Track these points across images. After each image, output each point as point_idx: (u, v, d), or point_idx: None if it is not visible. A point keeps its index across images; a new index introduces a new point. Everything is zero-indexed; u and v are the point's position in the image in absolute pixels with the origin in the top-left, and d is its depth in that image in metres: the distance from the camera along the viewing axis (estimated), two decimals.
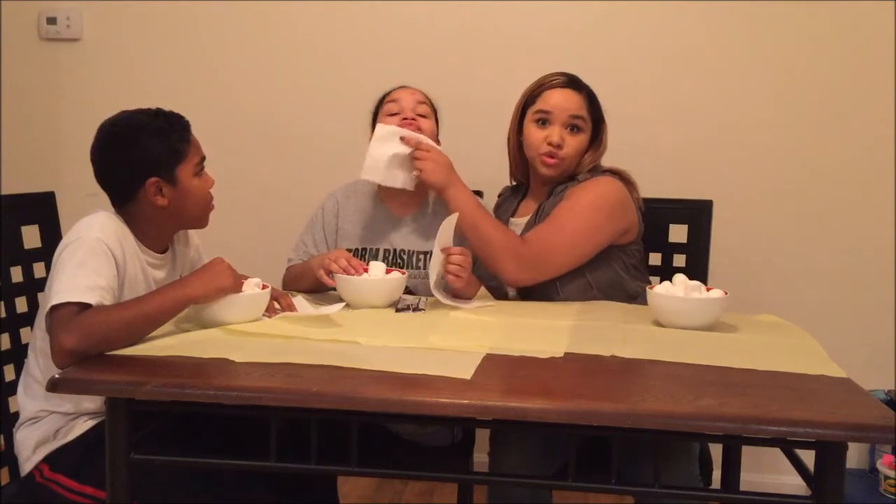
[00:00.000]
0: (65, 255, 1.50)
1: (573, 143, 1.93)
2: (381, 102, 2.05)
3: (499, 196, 2.16)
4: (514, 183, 2.14)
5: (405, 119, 1.97)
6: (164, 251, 1.71)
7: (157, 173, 1.60)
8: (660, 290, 1.67)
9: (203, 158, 1.68)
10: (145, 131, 1.60)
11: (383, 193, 2.08)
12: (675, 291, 1.66)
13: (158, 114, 1.64)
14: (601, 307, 1.82)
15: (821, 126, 2.58)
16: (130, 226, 1.63)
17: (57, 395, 1.40)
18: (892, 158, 2.55)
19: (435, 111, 2.05)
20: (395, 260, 2.00)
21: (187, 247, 1.82)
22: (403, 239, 2.03)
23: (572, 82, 1.97)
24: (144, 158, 1.59)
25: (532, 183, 2.07)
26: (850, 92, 2.55)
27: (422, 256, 2.00)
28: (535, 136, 1.95)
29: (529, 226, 1.96)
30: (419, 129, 1.97)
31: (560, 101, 1.94)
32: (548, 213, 1.92)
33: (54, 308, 1.42)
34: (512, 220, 2.05)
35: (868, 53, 2.53)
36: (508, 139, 2.06)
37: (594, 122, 1.97)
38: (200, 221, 1.72)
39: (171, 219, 1.66)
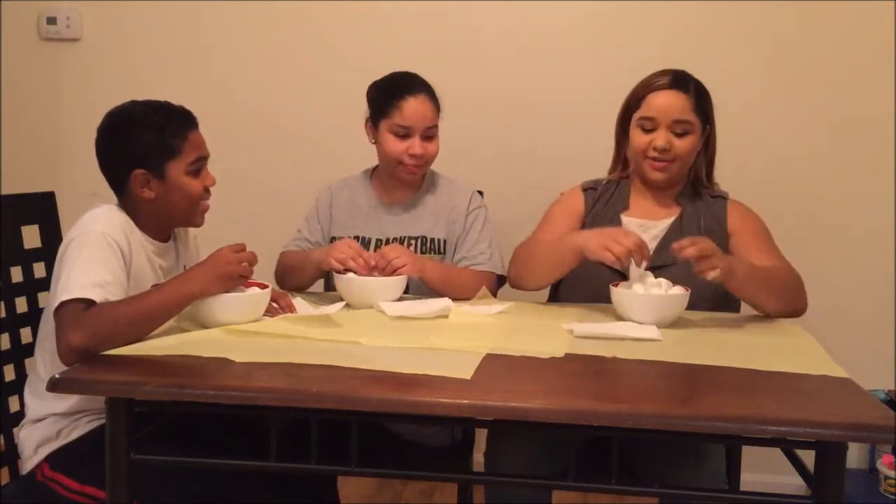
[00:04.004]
0: (70, 250, 1.50)
1: (681, 146, 1.87)
2: (386, 98, 1.99)
3: (583, 190, 2.03)
4: (605, 179, 2.04)
5: (411, 164, 1.98)
6: (166, 240, 1.71)
7: (144, 166, 1.60)
8: (623, 287, 1.69)
9: (202, 157, 1.67)
10: (138, 123, 1.61)
11: (375, 184, 2.12)
12: (636, 288, 1.68)
13: (159, 107, 1.64)
14: (601, 309, 1.82)
15: (821, 126, 2.58)
16: (132, 216, 1.63)
17: (61, 395, 1.41)
18: (892, 158, 2.55)
19: (439, 108, 2.03)
20: None
21: (187, 242, 1.82)
22: (396, 227, 2.06)
23: (677, 81, 1.89)
24: (132, 150, 1.60)
25: (639, 183, 1.99)
26: (851, 92, 2.55)
27: (413, 241, 2.03)
28: (640, 140, 1.90)
29: (674, 230, 1.90)
30: (427, 155, 1.98)
31: (663, 104, 1.87)
32: (704, 226, 1.90)
33: (61, 305, 1.42)
34: (627, 217, 1.96)
35: (868, 53, 2.53)
36: (616, 136, 2.01)
37: (703, 120, 1.90)
38: (190, 219, 1.70)
39: (161, 213, 1.66)
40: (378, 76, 2.07)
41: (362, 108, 2.07)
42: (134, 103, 1.65)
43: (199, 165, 1.66)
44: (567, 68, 2.64)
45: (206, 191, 1.69)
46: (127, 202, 1.65)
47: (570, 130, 2.61)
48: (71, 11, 2.78)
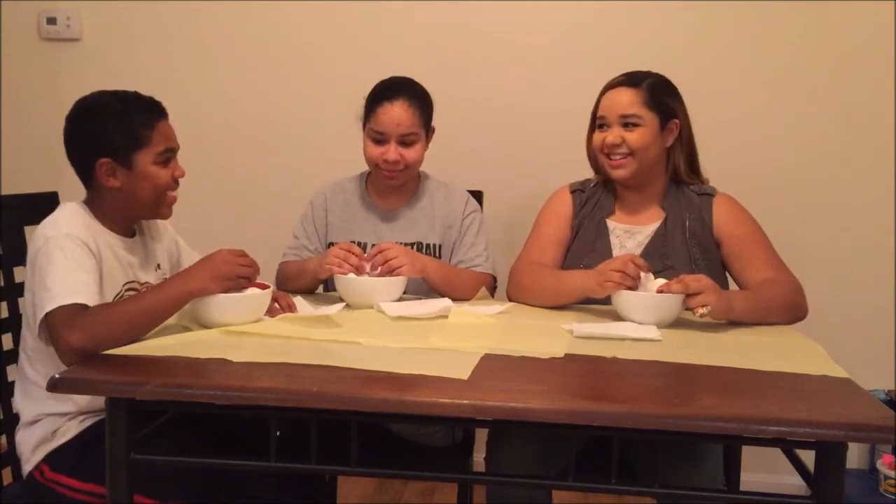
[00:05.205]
0: (41, 258, 1.50)
1: (632, 139, 1.88)
2: (368, 103, 2.01)
3: (571, 192, 2.04)
4: (593, 181, 2.05)
5: (387, 170, 1.97)
6: (131, 235, 1.70)
7: (110, 154, 1.59)
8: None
9: (171, 149, 1.66)
10: (103, 113, 1.61)
11: (371, 189, 2.11)
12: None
13: (127, 97, 1.63)
14: (601, 309, 1.82)
15: (821, 126, 2.58)
16: (95, 211, 1.63)
17: (54, 395, 1.40)
18: (892, 158, 2.55)
19: (428, 115, 2.02)
20: None
21: (160, 238, 1.80)
22: (391, 232, 2.06)
23: (630, 79, 1.92)
24: (98, 139, 1.60)
25: (619, 186, 2.00)
26: (850, 91, 2.55)
27: (409, 247, 2.02)
28: (596, 139, 1.94)
29: (658, 237, 1.92)
30: (404, 161, 1.96)
31: (611, 102, 1.91)
32: (689, 228, 1.90)
33: (52, 311, 1.42)
34: (612, 221, 1.98)
35: (868, 53, 2.53)
36: (588, 140, 2.03)
37: (662, 114, 1.90)
38: (157, 210, 1.68)
39: (128, 203, 1.64)
40: (375, 78, 2.06)
41: (360, 109, 2.07)
42: (103, 93, 1.64)
43: (167, 156, 1.65)
44: (568, 69, 2.64)
45: (175, 181, 1.67)
46: (92, 193, 1.65)
47: (570, 131, 2.59)
48: (71, 11, 2.78)
